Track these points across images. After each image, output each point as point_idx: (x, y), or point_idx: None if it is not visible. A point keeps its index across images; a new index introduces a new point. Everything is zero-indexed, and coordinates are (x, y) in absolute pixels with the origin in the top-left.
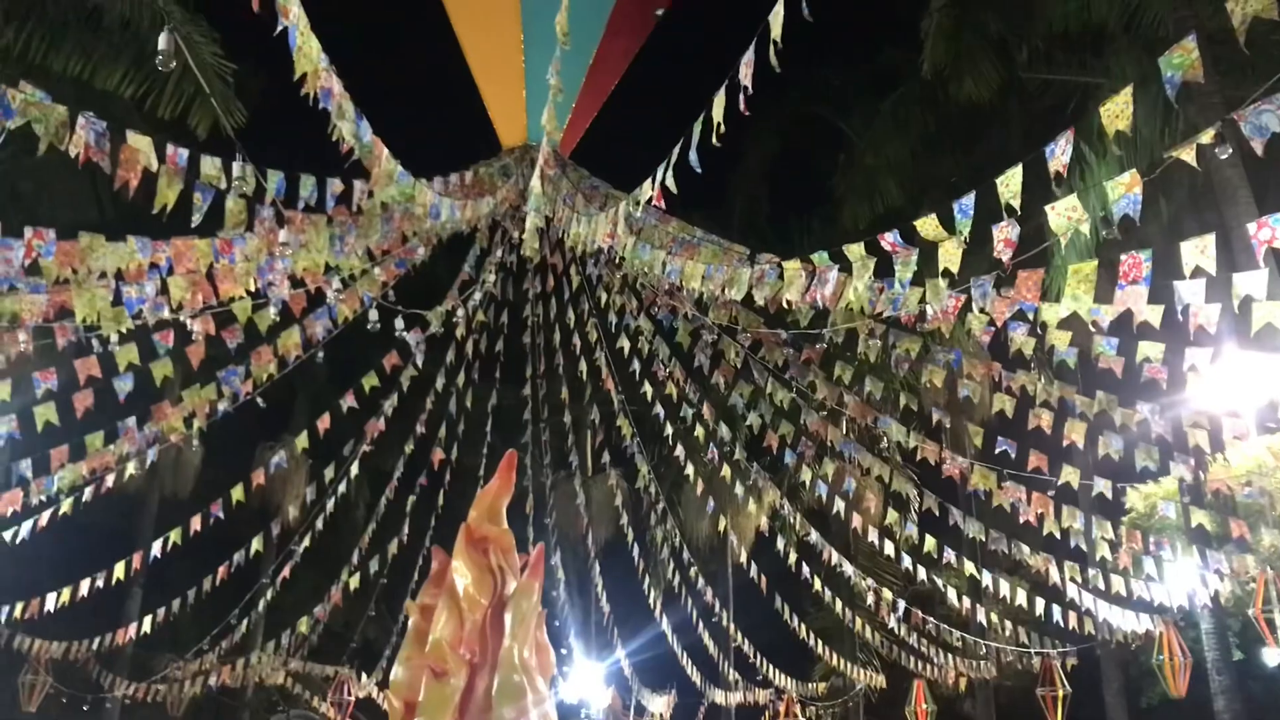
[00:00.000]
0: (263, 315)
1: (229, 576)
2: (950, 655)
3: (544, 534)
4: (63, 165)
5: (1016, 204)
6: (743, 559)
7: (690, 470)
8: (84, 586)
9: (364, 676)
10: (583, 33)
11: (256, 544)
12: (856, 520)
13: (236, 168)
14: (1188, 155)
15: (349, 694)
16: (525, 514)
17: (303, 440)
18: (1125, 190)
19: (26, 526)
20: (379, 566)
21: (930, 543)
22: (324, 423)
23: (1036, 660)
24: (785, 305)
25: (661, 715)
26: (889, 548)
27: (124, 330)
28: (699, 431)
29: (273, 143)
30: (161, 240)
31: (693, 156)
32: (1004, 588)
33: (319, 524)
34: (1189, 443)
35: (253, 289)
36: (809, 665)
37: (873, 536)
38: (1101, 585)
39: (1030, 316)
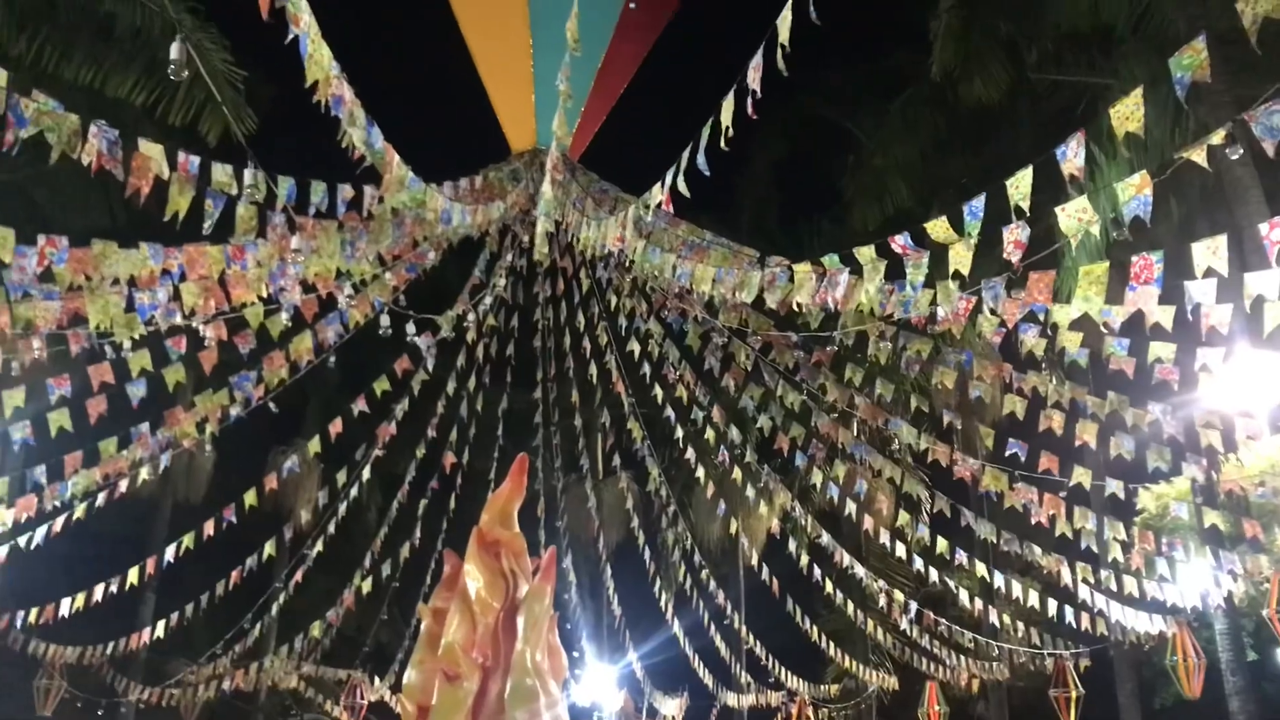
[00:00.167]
0: (274, 321)
1: (242, 581)
2: (963, 657)
3: (555, 537)
4: (75, 173)
5: (1026, 206)
6: (754, 561)
7: (701, 473)
8: (98, 591)
9: (377, 680)
10: (591, 37)
11: (269, 548)
12: (868, 522)
13: (248, 174)
14: (1198, 156)
15: (362, 698)
16: (537, 517)
17: (315, 445)
18: (1136, 191)
19: (41, 532)
20: (391, 570)
21: (942, 544)
22: (336, 427)
23: (1049, 661)
24: (796, 308)
25: (674, 718)
26: (901, 549)
27: (137, 336)
28: (710, 434)
29: (283, 148)
30: (174, 247)
31: (701, 160)
32: (1016, 589)
33: (331, 528)
34: (1201, 443)
35: (264, 295)
36: (821, 667)
37: (884, 538)
38: (1114, 586)
39: (1041, 318)
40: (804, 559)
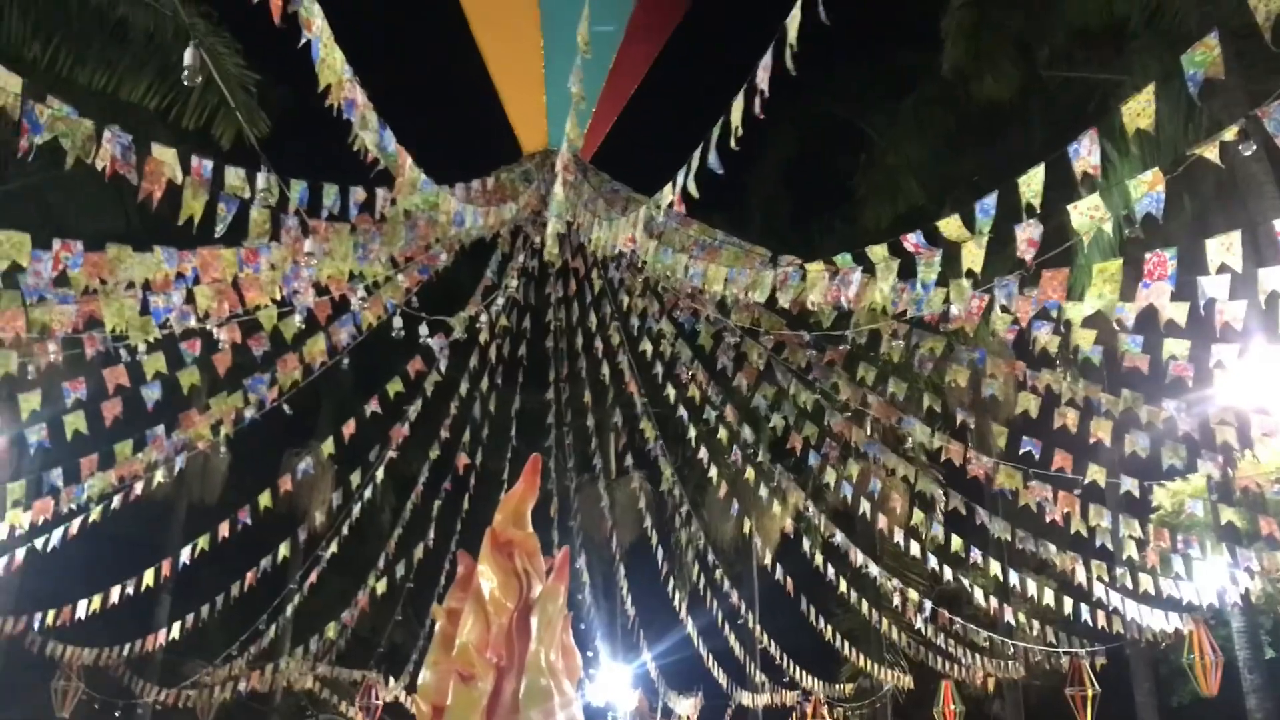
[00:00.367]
0: (288, 323)
1: (257, 582)
2: (978, 655)
3: (569, 537)
4: (90, 178)
5: (1038, 203)
6: (768, 561)
7: (714, 472)
8: (114, 593)
9: (391, 681)
10: (602, 39)
11: (284, 550)
12: (882, 521)
13: (260, 178)
14: (1211, 153)
15: (377, 698)
16: (550, 517)
17: (329, 446)
18: (1148, 188)
19: (57, 535)
20: (405, 571)
21: (956, 542)
22: (349, 429)
23: (1065, 660)
24: (808, 307)
25: (688, 717)
26: (915, 548)
27: (151, 339)
28: (722, 434)
29: (296, 152)
30: (187, 250)
31: (713, 159)
32: (1031, 587)
33: (345, 529)
34: (1217, 440)
35: (278, 297)
36: (836, 667)
37: (898, 537)
38: (1130, 584)
39: (1054, 315)
40: (818, 558)
